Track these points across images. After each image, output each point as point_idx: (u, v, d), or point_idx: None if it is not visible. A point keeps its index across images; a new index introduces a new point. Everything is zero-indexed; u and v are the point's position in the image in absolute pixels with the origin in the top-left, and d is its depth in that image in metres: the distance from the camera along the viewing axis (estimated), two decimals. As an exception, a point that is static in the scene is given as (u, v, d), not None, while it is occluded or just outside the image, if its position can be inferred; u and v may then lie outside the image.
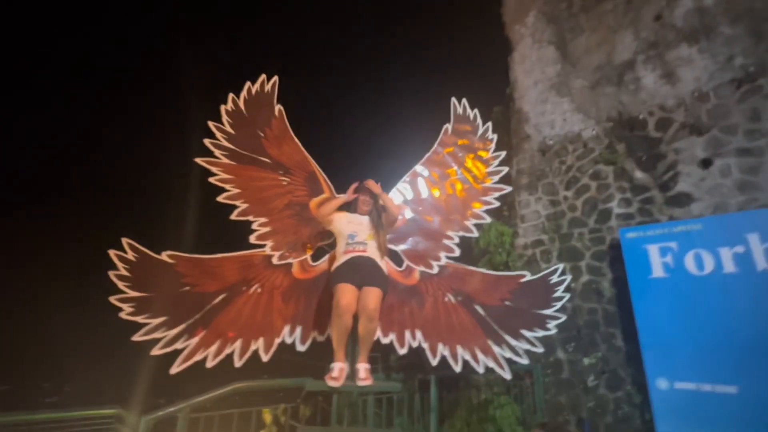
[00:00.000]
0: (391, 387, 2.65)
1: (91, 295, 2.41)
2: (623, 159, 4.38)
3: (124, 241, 2.48)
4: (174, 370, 2.34)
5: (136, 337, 2.36)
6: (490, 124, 3.50)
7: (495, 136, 3.45)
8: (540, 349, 2.86)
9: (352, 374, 2.43)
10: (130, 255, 2.47)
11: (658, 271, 3.67)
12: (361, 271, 2.44)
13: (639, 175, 4.24)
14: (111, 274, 2.40)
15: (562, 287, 3.05)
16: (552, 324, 2.95)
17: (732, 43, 3.93)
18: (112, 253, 2.44)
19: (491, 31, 6.23)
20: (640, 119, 4.36)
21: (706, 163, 3.85)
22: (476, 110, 3.52)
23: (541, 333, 2.92)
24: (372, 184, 2.68)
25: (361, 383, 2.33)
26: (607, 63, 4.78)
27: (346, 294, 2.33)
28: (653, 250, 3.72)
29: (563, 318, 2.97)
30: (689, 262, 3.53)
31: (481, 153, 3.40)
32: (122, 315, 2.35)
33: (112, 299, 2.37)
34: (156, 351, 2.36)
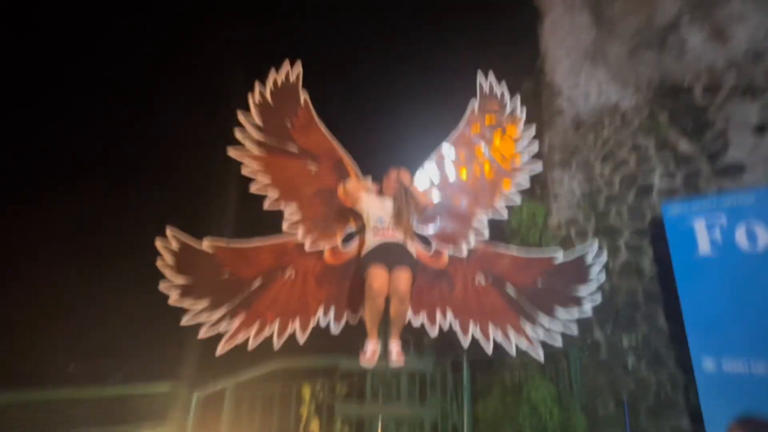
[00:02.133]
0: (423, 367, 2.71)
1: (147, 281, 2.61)
2: (666, 129, 4.10)
3: (169, 231, 2.66)
4: (219, 351, 2.52)
5: (184, 322, 2.55)
6: (518, 100, 3.37)
7: (524, 113, 3.34)
8: (575, 332, 2.81)
9: (385, 354, 2.50)
10: (174, 245, 2.64)
11: (704, 248, 3.46)
12: (391, 255, 2.48)
13: (684, 145, 3.96)
14: (158, 262, 2.59)
15: (597, 267, 2.96)
16: (587, 305, 2.88)
17: (794, -8, 3.53)
18: (158, 243, 2.62)
19: (518, 0, 5.92)
20: (684, 85, 4.04)
21: (760, 129, 3.54)
22: (504, 86, 3.40)
23: (576, 314, 2.87)
24: (403, 175, 2.73)
25: (393, 363, 2.40)
26: (647, 26, 4.43)
27: (378, 277, 2.38)
28: (699, 225, 3.50)
29: (599, 298, 2.88)
30: (740, 237, 3.30)
31: (510, 130, 3.31)
32: (170, 301, 2.54)
33: (161, 286, 2.56)
34: (202, 334, 2.54)
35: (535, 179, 5.03)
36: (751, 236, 3.25)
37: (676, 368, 3.57)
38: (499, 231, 4.90)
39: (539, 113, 5.29)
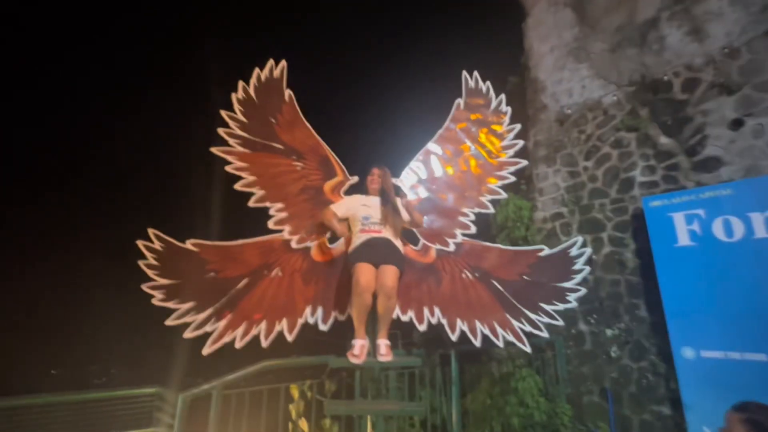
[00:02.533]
0: (411, 362, 2.72)
1: (129, 283, 2.56)
2: (647, 124, 4.19)
3: (150, 231, 2.60)
4: (205, 351, 2.48)
5: (169, 322, 2.50)
6: (503, 96, 3.40)
7: (509, 109, 3.36)
8: (560, 322, 2.86)
9: (374, 351, 2.51)
10: (157, 245, 2.59)
11: (683, 240, 3.56)
12: (377, 251, 2.48)
13: (664, 140, 4.06)
14: (141, 263, 2.53)
15: (581, 260, 3.01)
16: (572, 297, 2.93)
17: (767, -10, 3.63)
18: (140, 243, 2.56)
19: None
20: (664, 81, 4.13)
21: (736, 124, 3.64)
22: (489, 83, 3.42)
23: (561, 306, 2.92)
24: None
25: (381, 359, 2.40)
26: (628, 23, 4.51)
27: (365, 273, 2.38)
28: (679, 218, 3.60)
29: (583, 291, 2.94)
30: (717, 228, 3.40)
31: (495, 127, 3.33)
32: (154, 302, 2.49)
33: (144, 287, 2.50)
34: (188, 334, 2.50)
35: (520, 174, 5.11)
36: (728, 228, 3.36)
37: (657, 357, 3.68)
38: (486, 226, 4.96)
39: (524, 109, 5.35)
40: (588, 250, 3.06)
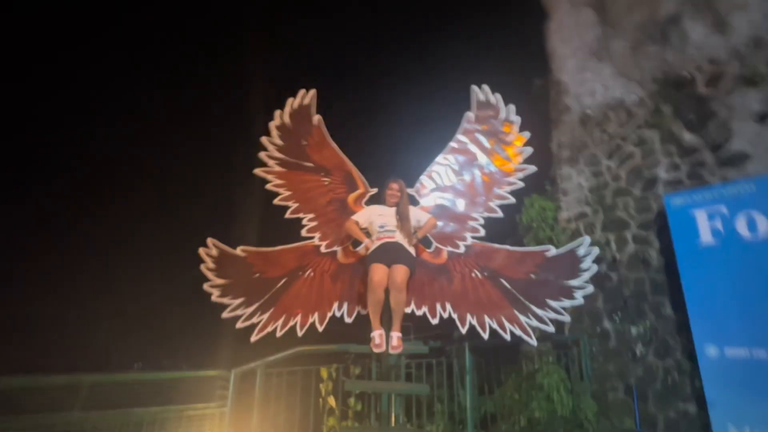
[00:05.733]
0: (420, 349, 3.06)
1: (190, 285, 3.19)
2: (670, 121, 4.17)
3: (209, 240, 3.21)
4: (253, 338, 3.02)
5: (225, 315, 3.08)
6: (512, 106, 3.62)
7: (518, 119, 3.58)
8: (566, 318, 3.04)
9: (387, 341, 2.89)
10: (213, 251, 3.19)
11: (707, 237, 3.54)
12: (390, 253, 2.87)
13: (688, 136, 4.02)
14: (202, 267, 3.14)
15: (589, 259, 3.16)
16: (579, 294, 3.09)
17: (794, -22, 3.51)
18: (201, 251, 3.18)
19: (525, 3, 6.07)
20: (687, 77, 4.09)
21: (763, 118, 3.56)
22: (498, 95, 3.66)
23: (568, 303, 3.09)
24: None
25: (393, 351, 2.77)
26: (650, 20, 4.50)
27: (377, 272, 2.77)
28: (701, 215, 3.58)
29: (590, 288, 3.09)
30: (741, 225, 3.36)
31: (504, 136, 3.56)
32: (213, 298, 3.08)
33: (205, 286, 3.11)
34: (239, 324, 3.06)
35: (544, 176, 5.22)
36: (752, 225, 3.31)
37: (682, 356, 3.67)
38: (513, 227, 5.13)
39: (548, 111, 5.45)
40: (596, 249, 3.19)
